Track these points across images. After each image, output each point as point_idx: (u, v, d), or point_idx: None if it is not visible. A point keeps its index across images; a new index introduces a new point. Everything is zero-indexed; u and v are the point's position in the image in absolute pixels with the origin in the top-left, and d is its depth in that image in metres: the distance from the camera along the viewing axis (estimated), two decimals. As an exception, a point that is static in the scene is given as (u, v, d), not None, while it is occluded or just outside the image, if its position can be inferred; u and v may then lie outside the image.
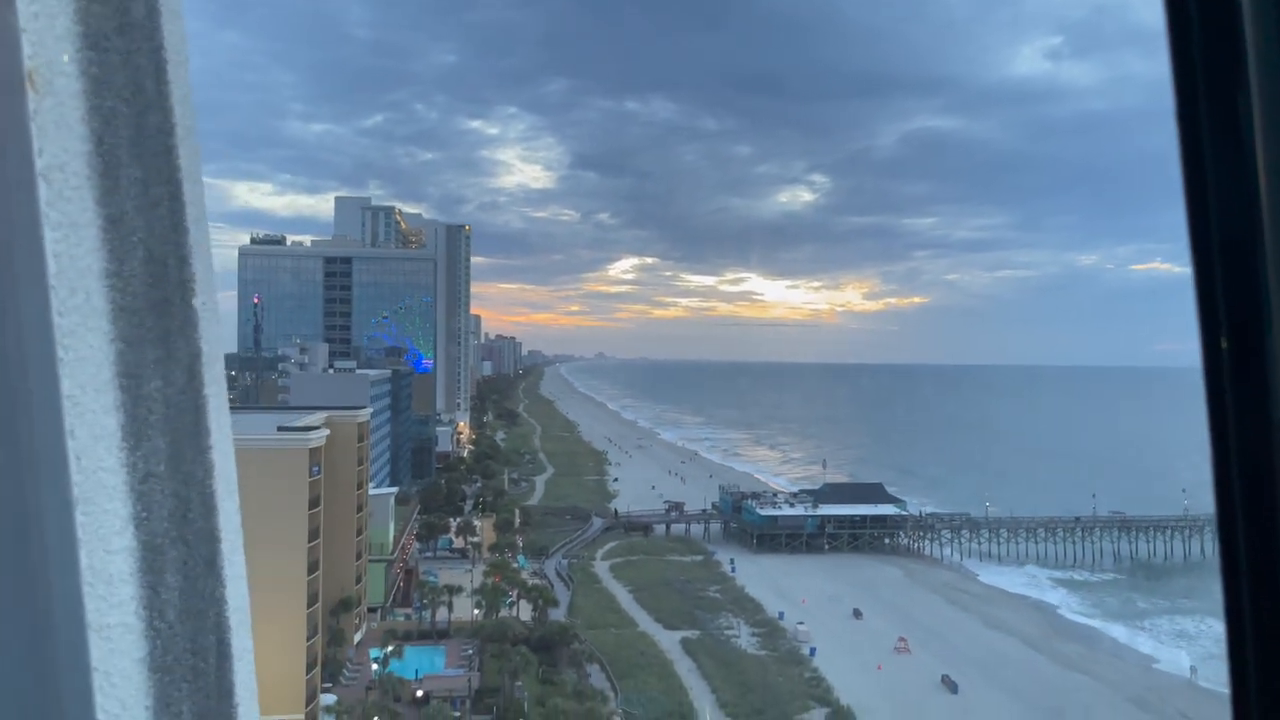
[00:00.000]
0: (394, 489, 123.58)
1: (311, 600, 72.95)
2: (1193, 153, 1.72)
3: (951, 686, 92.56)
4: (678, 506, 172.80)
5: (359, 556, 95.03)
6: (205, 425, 1.81)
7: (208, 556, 1.79)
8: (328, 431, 79.85)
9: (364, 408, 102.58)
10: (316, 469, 74.74)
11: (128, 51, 1.66)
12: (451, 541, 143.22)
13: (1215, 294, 1.73)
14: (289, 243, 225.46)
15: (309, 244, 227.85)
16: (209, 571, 1.79)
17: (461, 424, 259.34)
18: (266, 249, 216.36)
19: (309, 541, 72.40)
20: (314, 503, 73.93)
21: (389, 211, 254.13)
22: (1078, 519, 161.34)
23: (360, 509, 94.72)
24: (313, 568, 73.10)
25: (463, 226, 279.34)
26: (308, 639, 71.64)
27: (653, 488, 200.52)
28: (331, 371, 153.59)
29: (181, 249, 1.78)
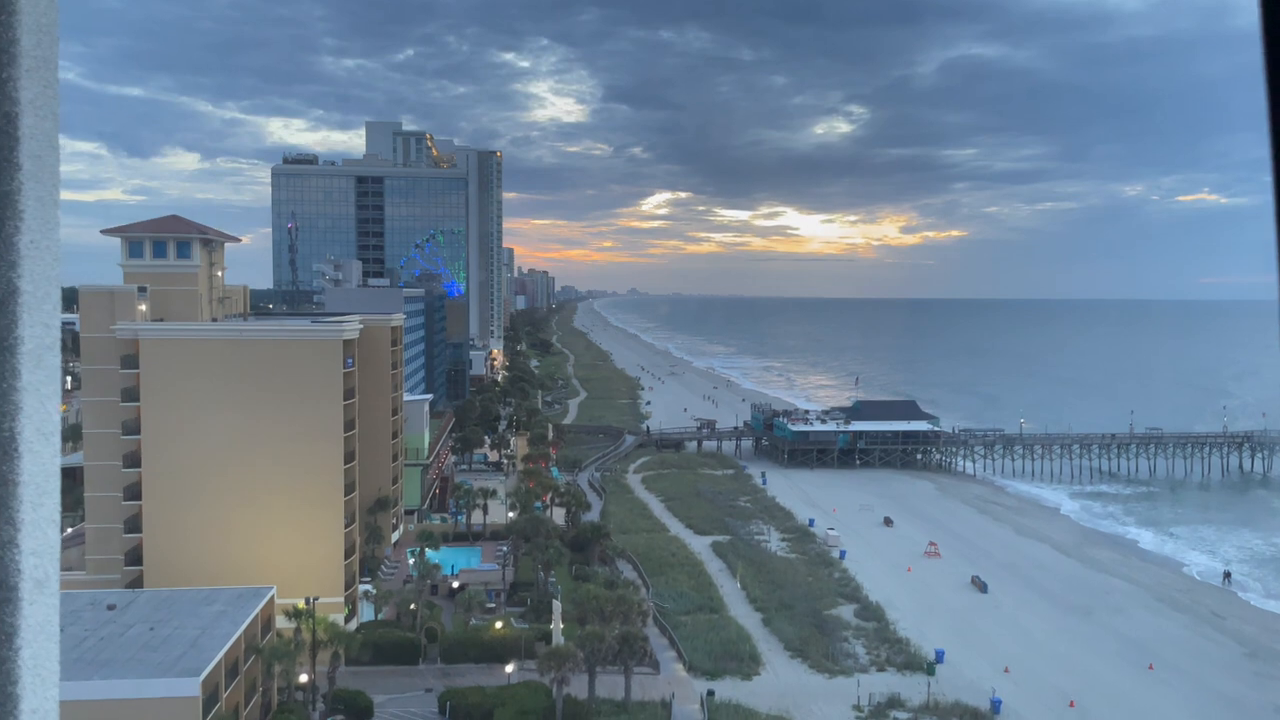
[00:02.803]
0: (428, 395, 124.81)
1: (349, 489, 74.35)
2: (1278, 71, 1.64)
3: (981, 586, 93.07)
4: (709, 424, 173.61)
5: (395, 459, 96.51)
6: (13, 366, 1.72)
7: None
8: (361, 326, 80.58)
9: (397, 314, 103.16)
10: (350, 361, 75.56)
11: None
12: (486, 456, 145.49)
13: None
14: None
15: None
16: None
17: (495, 351, 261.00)
18: (299, 168, 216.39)
19: (345, 431, 73.51)
20: (349, 394, 74.86)
21: (420, 136, 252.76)
22: (1113, 435, 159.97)
23: (395, 412, 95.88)
24: (349, 458, 74.35)
25: (494, 152, 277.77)
26: (345, 526, 73.20)
27: (685, 410, 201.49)
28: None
29: (3, 185, 1.72)
